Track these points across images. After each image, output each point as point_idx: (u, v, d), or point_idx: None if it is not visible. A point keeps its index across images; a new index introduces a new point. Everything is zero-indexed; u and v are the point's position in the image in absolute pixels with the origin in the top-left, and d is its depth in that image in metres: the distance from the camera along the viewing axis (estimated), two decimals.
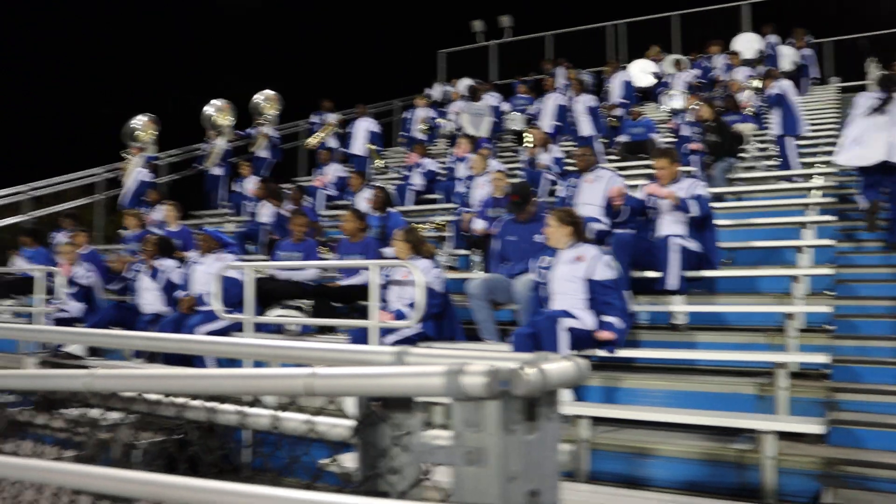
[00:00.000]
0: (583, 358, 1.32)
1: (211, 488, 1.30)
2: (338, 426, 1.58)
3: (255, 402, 1.67)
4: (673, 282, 6.10)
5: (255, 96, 14.68)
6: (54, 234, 11.21)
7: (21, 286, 9.71)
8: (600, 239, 6.64)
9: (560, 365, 1.22)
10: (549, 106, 13.49)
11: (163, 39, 34.50)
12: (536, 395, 1.17)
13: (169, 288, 7.91)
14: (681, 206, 6.29)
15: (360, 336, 6.17)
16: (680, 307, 6.30)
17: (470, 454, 1.15)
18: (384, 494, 1.34)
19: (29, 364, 7.60)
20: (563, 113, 13.30)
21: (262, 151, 14.45)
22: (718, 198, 8.66)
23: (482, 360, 1.16)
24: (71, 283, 8.72)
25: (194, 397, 1.76)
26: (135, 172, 13.12)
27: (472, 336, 6.44)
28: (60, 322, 8.29)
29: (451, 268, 8.94)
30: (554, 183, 9.97)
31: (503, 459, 1.14)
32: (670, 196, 6.33)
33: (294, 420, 1.62)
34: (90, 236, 10.91)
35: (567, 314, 5.35)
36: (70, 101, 31.94)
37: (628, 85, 14.49)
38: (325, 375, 1.24)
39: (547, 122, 13.09)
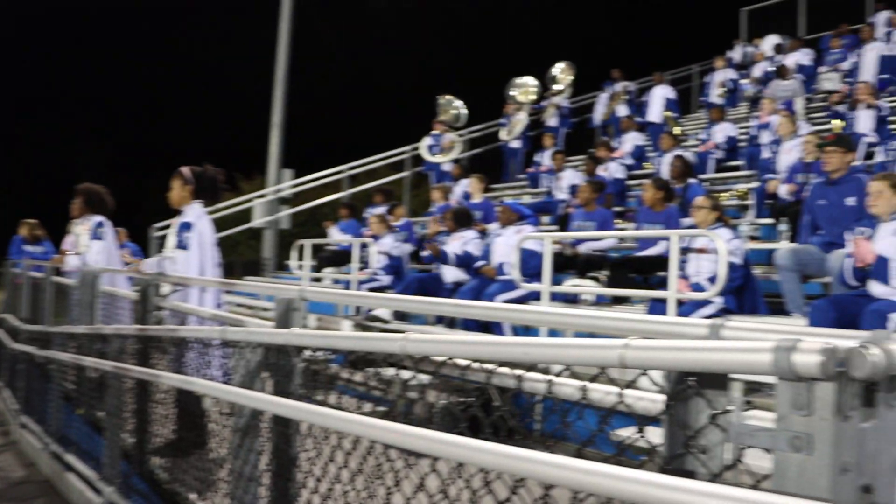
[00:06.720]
0: None
1: (520, 455, 1.31)
2: (644, 399, 1.54)
3: (563, 371, 1.67)
4: None
5: (553, 67, 14.84)
6: (368, 209, 12.18)
7: (338, 258, 10.72)
8: None
9: None
10: (869, 58, 12.22)
11: (459, 19, 35.95)
12: (878, 378, 1.04)
13: (465, 259, 8.26)
14: None
15: (657, 308, 6.04)
16: None
17: (797, 439, 1.05)
18: (692, 474, 1.28)
19: (345, 326, 8.37)
20: (889, 64, 11.98)
21: (551, 120, 14.60)
22: None
23: (812, 336, 1.05)
24: (383, 254, 9.43)
25: (503, 364, 1.80)
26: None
27: (777, 310, 6.03)
28: (372, 290, 9.01)
29: (754, 238, 8.44)
30: (872, 146, 9.03)
31: (835, 448, 1.03)
32: None
33: (599, 391, 1.60)
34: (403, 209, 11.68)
35: None
36: (380, 88, 34.48)
37: None
38: (640, 347, 1.20)
39: (869, 76, 11.87)
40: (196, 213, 4.98)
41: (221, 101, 35.54)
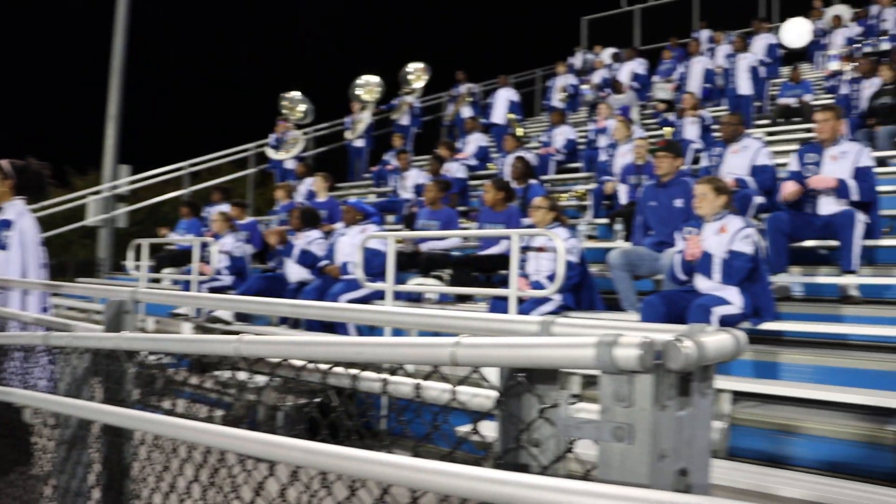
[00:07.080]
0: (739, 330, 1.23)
1: (355, 456, 1.30)
2: (479, 396, 1.56)
3: (398, 370, 1.67)
4: (857, 262, 5.70)
5: (406, 66, 14.87)
6: (206, 207, 11.78)
7: (178, 258, 10.32)
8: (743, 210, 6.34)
9: (718, 338, 1.14)
10: (696, 70, 13.07)
11: (307, 16, 35.51)
12: (691, 369, 1.10)
13: (309, 258, 8.15)
14: (841, 190, 5.83)
15: (498, 306, 6.18)
16: (853, 280, 5.86)
17: (619, 430, 1.09)
18: (525, 467, 1.31)
19: (185, 328, 8.08)
20: (712, 77, 12.86)
21: (403, 119, 14.67)
22: (882, 162, 8.10)
23: (634, 331, 1.09)
24: (225, 254, 9.15)
25: (337, 364, 1.78)
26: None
27: (613, 306, 6.32)
28: (213, 290, 8.73)
29: (591, 237, 8.80)
30: (699, 151, 9.64)
31: (654, 436, 1.08)
32: (831, 184, 5.86)
33: (436, 389, 1.62)
34: (247, 208, 11.35)
35: (719, 300, 5.07)
36: (224, 84, 33.52)
37: (773, 47, 13.70)
38: (471, 345, 1.22)
39: (695, 87, 12.70)
40: (17, 210, 4.66)
41: (51, 88, 33.48)
